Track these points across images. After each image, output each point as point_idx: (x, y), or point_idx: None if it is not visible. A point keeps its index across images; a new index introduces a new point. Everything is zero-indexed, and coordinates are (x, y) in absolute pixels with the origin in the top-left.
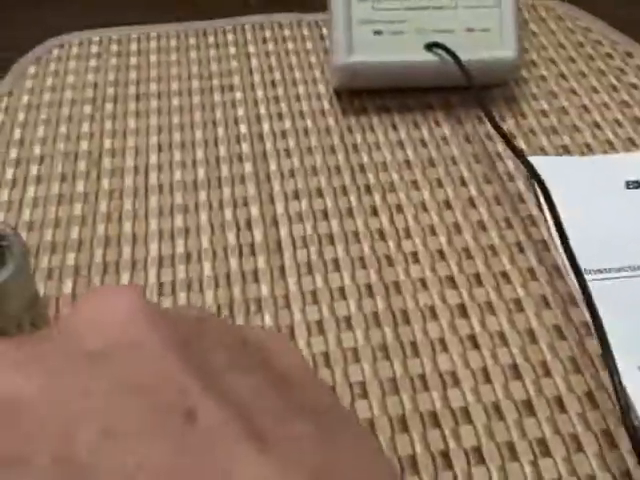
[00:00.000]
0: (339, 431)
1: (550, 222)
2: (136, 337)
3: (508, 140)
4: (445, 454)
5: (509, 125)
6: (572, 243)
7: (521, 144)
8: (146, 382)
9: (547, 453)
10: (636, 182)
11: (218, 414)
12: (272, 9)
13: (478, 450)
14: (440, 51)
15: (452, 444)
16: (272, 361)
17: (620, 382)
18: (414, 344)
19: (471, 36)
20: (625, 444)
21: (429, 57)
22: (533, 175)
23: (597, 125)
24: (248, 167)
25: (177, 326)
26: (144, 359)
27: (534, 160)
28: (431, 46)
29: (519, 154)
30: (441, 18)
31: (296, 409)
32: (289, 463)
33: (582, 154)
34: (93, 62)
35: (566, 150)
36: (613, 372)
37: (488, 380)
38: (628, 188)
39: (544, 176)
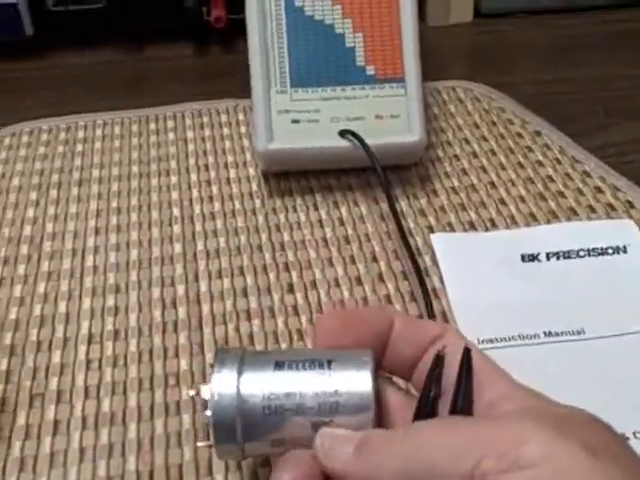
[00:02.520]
0: None
1: (450, 295)
2: None
3: (398, 219)
4: None
5: (421, 203)
6: (467, 313)
7: (431, 221)
8: None
9: None
10: (531, 255)
11: None
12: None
13: None
14: (352, 137)
15: None
16: None
17: None
18: None
19: (380, 123)
20: None
21: (342, 143)
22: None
23: (502, 201)
24: (177, 248)
25: None
26: None
27: (434, 237)
28: (344, 133)
29: (403, 234)
30: (353, 107)
31: None
32: None
33: (486, 229)
34: (42, 150)
35: (472, 225)
36: None
37: None
38: (523, 261)
39: (441, 252)
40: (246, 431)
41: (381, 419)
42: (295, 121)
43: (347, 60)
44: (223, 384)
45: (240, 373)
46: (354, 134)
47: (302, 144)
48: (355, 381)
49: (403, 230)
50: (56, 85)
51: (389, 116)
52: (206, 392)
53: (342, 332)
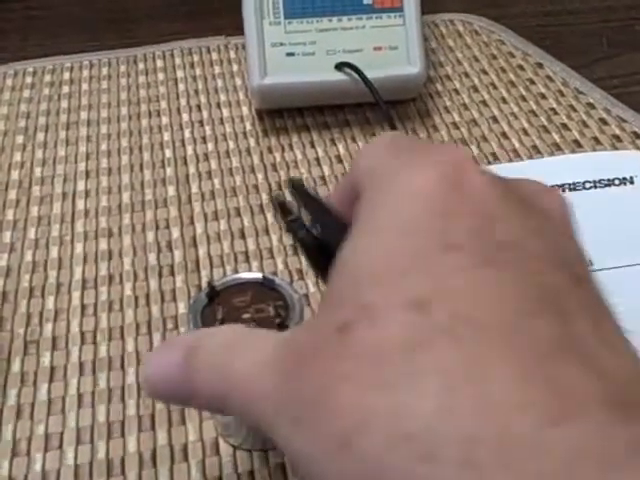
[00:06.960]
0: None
1: None
2: None
3: None
4: None
5: (421, 138)
6: None
7: None
8: None
9: None
10: None
11: None
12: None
13: None
14: (349, 70)
15: None
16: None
17: None
18: None
19: (379, 54)
20: None
21: (339, 76)
22: None
23: (504, 135)
24: (171, 190)
25: None
26: None
27: None
28: (341, 65)
29: None
30: (350, 38)
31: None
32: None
33: (488, 163)
34: (26, 93)
35: (473, 160)
36: None
37: None
38: None
39: None
40: None
41: None
42: (290, 54)
43: None
44: None
45: None
46: (352, 66)
47: (297, 78)
48: None
49: None
50: (39, 25)
51: (388, 47)
52: None
53: None
